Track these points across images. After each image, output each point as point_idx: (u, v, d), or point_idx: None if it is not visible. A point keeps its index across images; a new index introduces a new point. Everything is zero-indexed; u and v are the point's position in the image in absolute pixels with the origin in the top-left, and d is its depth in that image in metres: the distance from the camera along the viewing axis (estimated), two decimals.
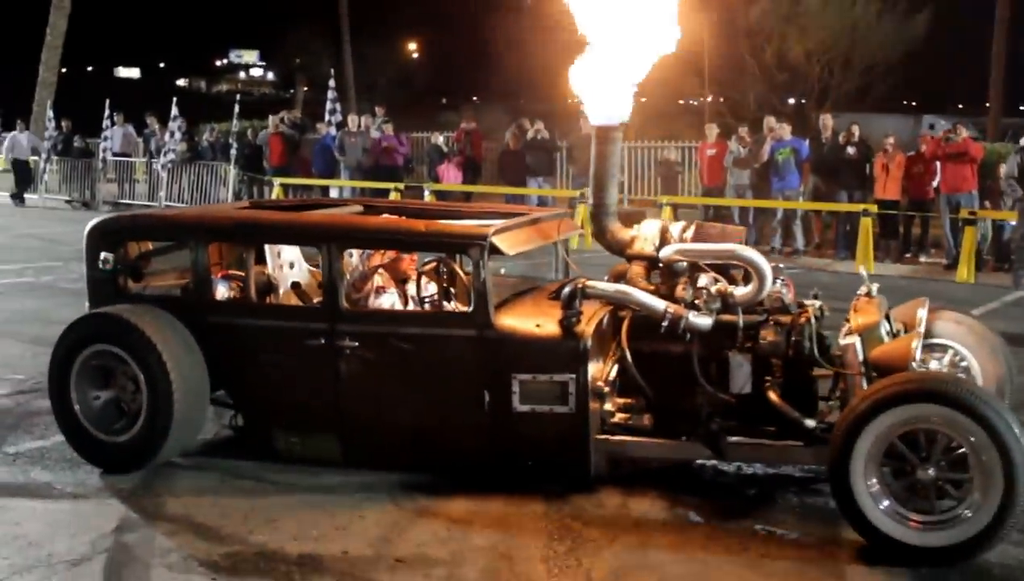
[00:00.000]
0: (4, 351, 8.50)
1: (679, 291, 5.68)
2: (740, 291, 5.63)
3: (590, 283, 5.64)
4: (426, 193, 18.70)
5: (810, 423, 5.32)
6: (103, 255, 6.18)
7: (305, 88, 54.51)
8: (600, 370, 5.63)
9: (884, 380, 4.94)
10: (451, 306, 6.34)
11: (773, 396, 5.42)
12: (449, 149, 20.25)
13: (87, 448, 5.90)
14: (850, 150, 15.85)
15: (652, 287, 5.84)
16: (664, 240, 5.99)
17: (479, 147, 20.79)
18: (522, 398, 5.50)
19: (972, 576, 4.61)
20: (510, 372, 5.49)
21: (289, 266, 6.73)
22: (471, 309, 5.65)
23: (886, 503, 4.75)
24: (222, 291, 6.34)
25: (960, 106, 53.75)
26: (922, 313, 5.90)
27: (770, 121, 16.93)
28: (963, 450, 4.69)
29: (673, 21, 6.05)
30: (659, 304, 5.56)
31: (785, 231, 16.56)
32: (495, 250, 5.60)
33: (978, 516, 4.62)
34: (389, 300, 6.28)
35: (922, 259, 15.79)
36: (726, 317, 5.59)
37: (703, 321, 5.49)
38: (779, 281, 5.79)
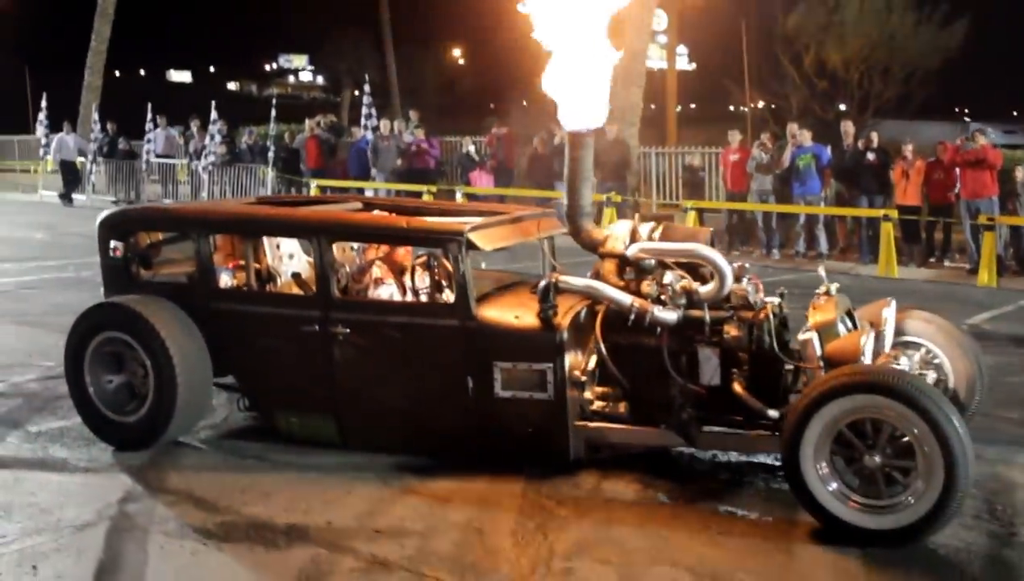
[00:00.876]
0: (38, 340, 8.99)
1: (644, 287, 5.98)
2: (704, 288, 5.91)
3: (562, 278, 5.97)
4: (458, 196, 19.12)
5: (773, 413, 5.61)
6: (112, 244, 6.61)
7: (355, 92, 55.22)
8: (578, 360, 5.96)
9: (833, 372, 5.24)
10: (443, 297, 6.68)
11: (738, 387, 5.72)
12: (480, 154, 20.60)
13: (101, 428, 6.32)
14: (869, 156, 16.06)
15: (622, 283, 6.14)
16: (634, 239, 6.29)
17: (511, 152, 21.11)
18: (503, 385, 5.85)
19: (917, 558, 4.86)
20: (491, 360, 5.85)
21: (288, 257, 7.10)
22: (453, 301, 6.01)
23: (834, 486, 5.03)
24: (225, 280, 6.73)
25: (1015, 113, 53.41)
26: (887, 312, 6.18)
27: (792, 128, 17.16)
28: (908, 439, 4.96)
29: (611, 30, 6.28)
30: (625, 298, 5.88)
31: (808, 235, 16.79)
32: (472, 246, 5.95)
33: (920, 503, 4.88)
34: (387, 290, 6.66)
35: (946, 263, 15.93)
36: (695, 313, 5.89)
37: (668, 315, 5.80)
38: (745, 279, 6.06)
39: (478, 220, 6.37)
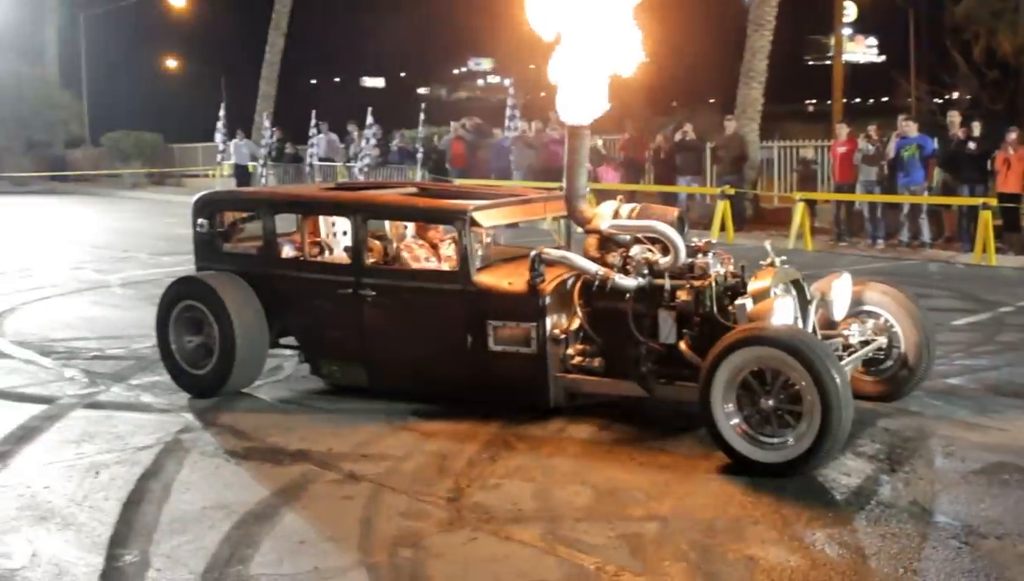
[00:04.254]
0: None
1: (609, 258, 7.03)
2: (663, 260, 6.92)
3: (545, 250, 7.07)
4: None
5: None
6: (199, 221, 8.06)
7: (542, 93, 56.78)
8: (560, 321, 7.04)
9: (740, 327, 6.21)
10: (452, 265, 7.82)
11: (683, 345, 6.71)
12: (607, 152, 21.66)
13: (180, 378, 7.78)
14: (971, 145, 16.38)
15: (599, 255, 7.20)
16: (616, 218, 7.33)
17: (641, 150, 22.00)
18: (496, 340, 7.01)
19: (801, 487, 5.76)
20: (486, 319, 7.01)
21: (342, 233, 8.37)
22: (457, 268, 7.21)
23: (735, 421, 5.98)
24: (287, 251, 8.05)
25: None
26: (836, 283, 7.04)
27: (900, 120, 17.58)
28: (797, 388, 5.87)
29: (635, 28, 7.20)
30: (592, 267, 6.94)
31: (912, 225, 17.21)
32: (475, 222, 7.12)
33: (800, 442, 5.79)
34: (423, 257, 7.88)
35: None
36: (657, 281, 6.90)
37: (628, 282, 6.84)
38: (711, 254, 7.01)
39: (484, 201, 7.55)
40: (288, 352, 8.23)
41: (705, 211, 20.15)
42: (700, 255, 7.00)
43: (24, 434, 6.78)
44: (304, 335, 7.83)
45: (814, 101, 60.54)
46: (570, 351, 7.07)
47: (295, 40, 33.19)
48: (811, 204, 18.80)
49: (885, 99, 54.74)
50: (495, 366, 7.04)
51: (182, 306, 7.75)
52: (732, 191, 18.93)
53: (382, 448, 6.45)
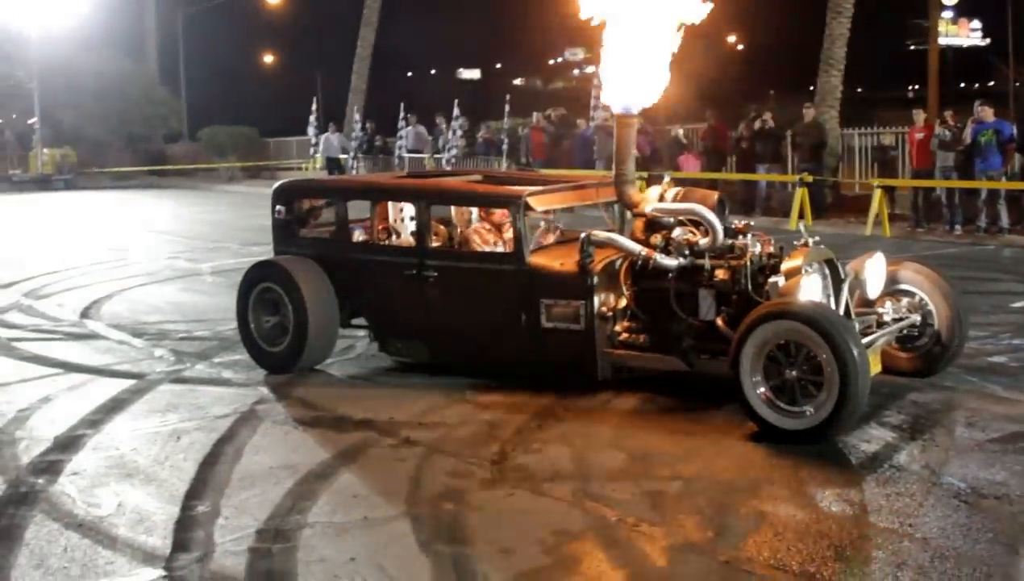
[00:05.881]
0: None
1: (652, 239, 7.47)
2: (703, 241, 7.33)
3: (594, 233, 7.52)
4: (665, 179, 20.52)
5: None
6: (277, 208, 8.68)
7: None
8: (608, 300, 7.49)
9: (768, 302, 6.61)
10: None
11: (720, 321, 7.12)
12: (688, 141, 21.96)
13: (258, 356, 8.39)
14: None
15: (644, 238, 7.63)
16: (661, 202, 7.76)
17: (723, 139, 22.25)
18: (547, 317, 7.49)
19: (820, 452, 6.15)
20: (539, 298, 7.49)
21: (409, 218, 8.90)
22: (512, 250, 7.70)
23: (761, 390, 6.38)
24: (358, 236, 8.60)
25: None
26: (869, 263, 7.37)
27: (977, 105, 17.59)
28: (818, 360, 6.24)
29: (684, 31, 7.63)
30: (635, 247, 7.38)
31: (990, 210, 17.23)
32: (528, 207, 7.61)
33: (819, 412, 6.16)
34: (494, 241, 8.38)
35: None
36: (699, 261, 7.31)
37: (669, 261, 7.26)
38: (750, 236, 7.40)
39: (539, 187, 8.04)
40: (360, 332, 8.82)
41: (785, 198, 20.35)
42: (740, 237, 7.41)
43: (115, 405, 7.45)
44: (373, 315, 8.40)
45: (915, 87, 59.73)
46: (617, 328, 7.51)
47: (391, 33, 34.06)
48: (890, 191, 18.90)
49: (991, 83, 53.91)
50: (547, 342, 7.51)
51: (260, 288, 8.36)
52: (810, 178, 19.09)
53: (439, 417, 6.97)
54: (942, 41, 47.20)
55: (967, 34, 69.68)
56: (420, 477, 5.85)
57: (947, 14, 55.94)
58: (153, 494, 5.68)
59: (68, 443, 6.58)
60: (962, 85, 58.78)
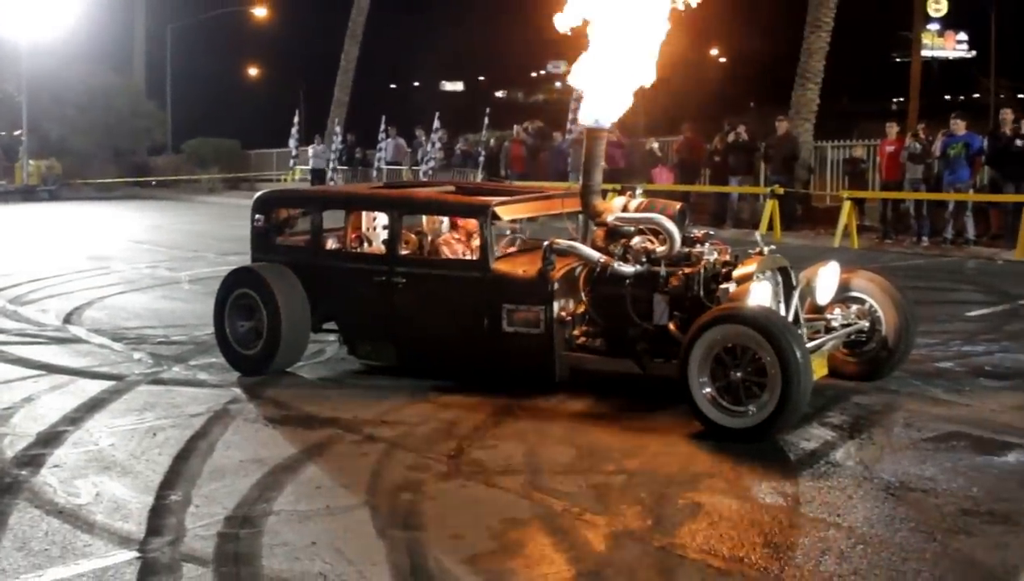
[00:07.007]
0: None
1: (611, 247, 7.82)
2: (660, 249, 7.69)
3: (556, 242, 7.86)
4: (638, 191, 20.90)
5: None
6: (256, 216, 9.01)
7: None
8: (568, 305, 7.83)
9: (715, 307, 6.96)
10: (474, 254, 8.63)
11: (671, 326, 7.47)
12: (663, 154, 22.37)
13: (233, 359, 8.71)
14: (1018, 143, 16.80)
15: (604, 246, 7.97)
16: (624, 212, 8.11)
17: (698, 151, 22.66)
18: (508, 322, 7.82)
19: (761, 449, 6.50)
20: (501, 303, 7.83)
21: (382, 227, 9.22)
22: (477, 257, 8.04)
23: (707, 391, 6.72)
24: (331, 244, 8.95)
25: None
26: (822, 270, 7.73)
27: (952, 118, 17.95)
28: (762, 362, 6.59)
29: (654, 50, 7.97)
30: (595, 255, 7.73)
31: (957, 222, 17.65)
32: (496, 216, 7.95)
33: (761, 411, 6.51)
34: (463, 250, 8.71)
35: None
36: (654, 268, 7.66)
37: (626, 269, 7.61)
38: (707, 244, 7.77)
39: (506, 197, 8.39)
40: (331, 337, 9.13)
41: (756, 210, 20.75)
42: (698, 245, 7.77)
43: (95, 404, 7.76)
44: (343, 319, 8.72)
45: (900, 100, 60.33)
46: (575, 332, 7.86)
47: (375, 46, 34.42)
48: (859, 203, 19.32)
49: (976, 96, 54.50)
50: (508, 345, 7.85)
51: (237, 294, 8.68)
52: (781, 191, 19.50)
53: (401, 416, 7.30)
54: (928, 53, 47.81)
55: (953, 46, 70.30)
56: (380, 470, 6.18)
57: (933, 27, 56.53)
58: (129, 485, 5.99)
59: (50, 438, 6.89)
60: (947, 97, 59.35)
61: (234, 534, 5.25)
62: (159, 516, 5.50)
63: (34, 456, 6.52)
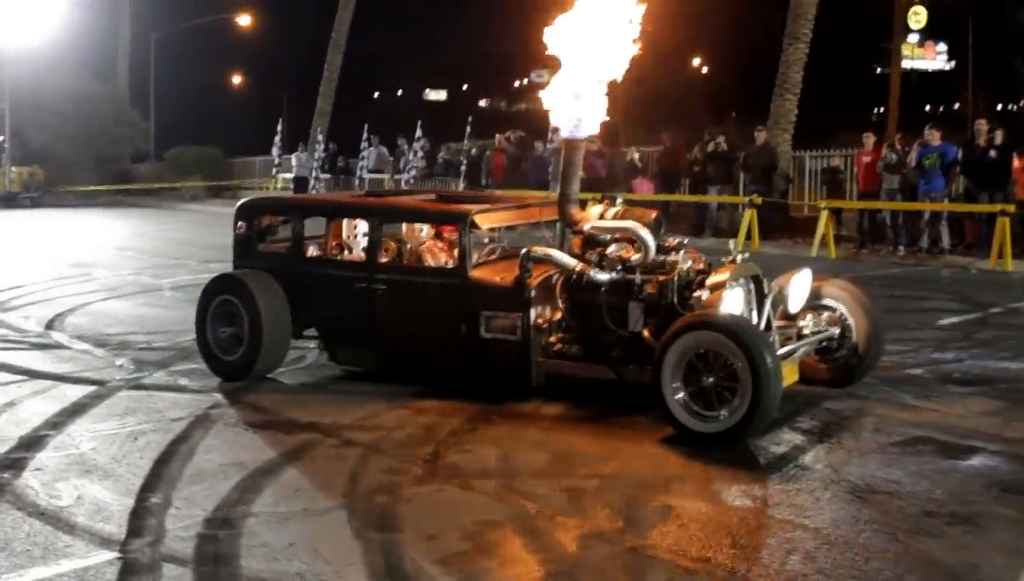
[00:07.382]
0: None
1: (587, 255, 7.95)
2: (635, 257, 7.82)
3: (533, 249, 7.98)
4: (619, 201, 21.07)
5: None
6: (239, 223, 9.11)
7: None
8: (544, 312, 7.95)
9: (689, 314, 7.10)
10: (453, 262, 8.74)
11: (645, 333, 7.60)
12: (643, 164, 22.55)
13: (214, 364, 8.80)
14: (992, 153, 17.02)
15: (581, 254, 8.10)
16: (601, 220, 8.24)
17: (680, 160, 22.83)
18: (486, 328, 7.94)
19: (733, 453, 6.63)
20: (479, 310, 7.95)
21: (363, 235, 9.31)
22: (456, 265, 8.16)
23: (680, 396, 6.85)
24: (312, 251, 9.06)
25: None
26: (794, 278, 7.87)
27: (927, 129, 18.18)
28: (734, 368, 6.72)
29: (627, 52, 8.13)
30: (571, 263, 7.86)
31: (932, 231, 17.86)
32: (474, 225, 8.08)
33: (732, 416, 6.64)
34: (443, 257, 8.82)
35: None
36: (629, 276, 7.79)
37: (602, 276, 7.74)
38: (682, 252, 7.90)
39: (485, 206, 8.52)
40: (311, 343, 9.24)
41: (736, 220, 20.91)
42: (672, 253, 7.91)
43: (77, 409, 7.85)
44: (324, 325, 8.83)
45: (880, 110, 60.65)
46: (552, 339, 7.98)
47: (358, 55, 34.53)
48: (837, 212, 19.52)
49: (956, 106, 54.88)
50: (485, 352, 7.96)
51: (219, 300, 8.77)
52: (759, 200, 19.67)
53: (379, 421, 7.42)
54: (908, 64, 48.09)
55: (934, 57, 70.71)
56: (358, 474, 6.29)
57: (913, 38, 56.87)
58: (110, 487, 6.08)
59: (32, 442, 6.98)
60: (927, 108, 59.74)
61: (213, 535, 5.35)
62: (139, 518, 5.60)
63: (16, 459, 6.61)
